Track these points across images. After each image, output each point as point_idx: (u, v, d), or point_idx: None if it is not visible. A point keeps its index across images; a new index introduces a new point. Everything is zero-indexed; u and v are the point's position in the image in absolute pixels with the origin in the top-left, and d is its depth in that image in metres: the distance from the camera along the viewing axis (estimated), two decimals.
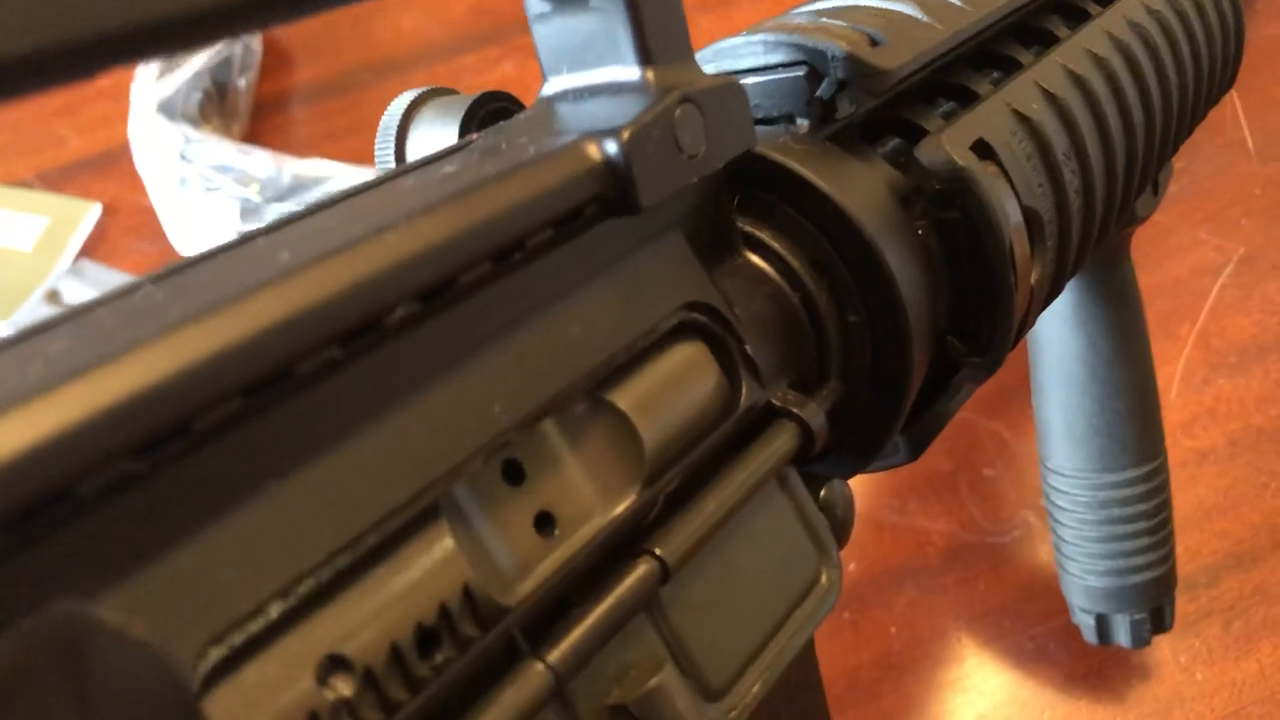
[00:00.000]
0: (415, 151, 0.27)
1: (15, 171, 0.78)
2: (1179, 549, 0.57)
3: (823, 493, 0.25)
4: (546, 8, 0.22)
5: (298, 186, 0.64)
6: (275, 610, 0.15)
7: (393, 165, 0.27)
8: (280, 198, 0.63)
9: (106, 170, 0.77)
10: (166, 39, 0.15)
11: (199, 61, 0.71)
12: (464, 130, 0.26)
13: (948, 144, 0.26)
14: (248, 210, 0.63)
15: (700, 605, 0.21)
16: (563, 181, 0.19)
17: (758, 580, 0.22)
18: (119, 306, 0.15)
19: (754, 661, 0.21)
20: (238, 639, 0.14)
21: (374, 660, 0.16)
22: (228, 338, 0.14)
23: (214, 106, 0.73)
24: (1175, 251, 0.66)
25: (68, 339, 0.14)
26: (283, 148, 0.71)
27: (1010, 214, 0.27)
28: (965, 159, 0.26)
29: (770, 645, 0.22)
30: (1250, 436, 0.60)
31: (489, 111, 0.27)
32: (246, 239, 0.18)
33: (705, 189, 0.23)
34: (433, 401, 0.17)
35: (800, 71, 0.27)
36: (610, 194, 0.19)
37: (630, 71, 0.21)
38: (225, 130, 0.73)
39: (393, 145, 0.27)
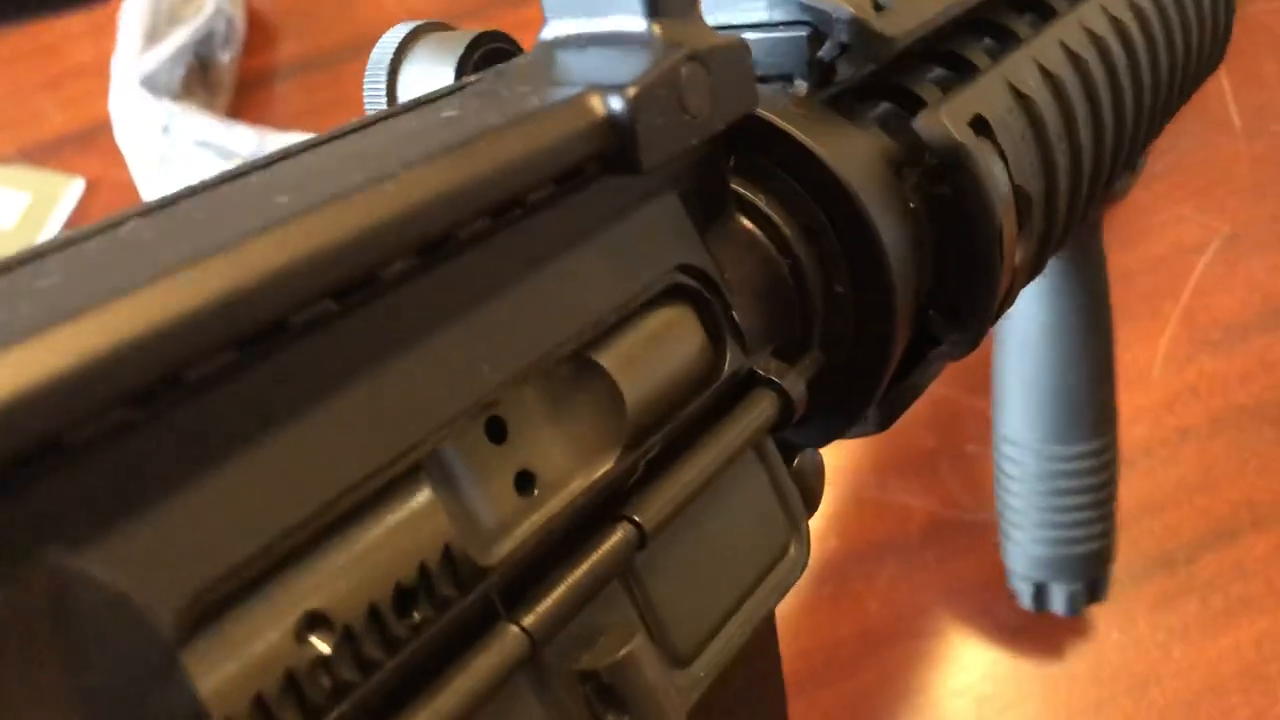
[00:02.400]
0: (407, 88, 0.26)
1: None
2: (1159, 525, 0.57)
3: (795, 462, 0.24)
4: None
5: None
6: (257, 566, 0.14)
7: (383, 102, 0.26)
8: None
9: (89, 146, 0.77)
10: None
11: (182, 36, 0.71)
12: (460, 71, 0.25)
13: (947, 119, 0.26)
14: None
15: (673, 573, 0.21)
16: (566, 136, 0.18)
17: (729, 549, 0.22)
18: (107, 241, 0.15)
19: (720, 630, 0.21)
20: (219, 594, 0.14)
21: (353, 618, 0.15)
22: (227, 285, 0.13)
23: (197, 81, 0.72)
24: (1159, 229, 0.66)
25: (57, 274, 0.14)
26: (266, 123, 0.71)
27: (1002, 194, 0.27)
28: (964, 135, 0.26)
29: (737, 615, 0.22)
30: (1232, 414, 0.60)
31: (486, 52, 0.26)
32: (238, 174, 0.17)
33: (703, 149, 0.22)
34: (424, 358, 0.17)
35: (803, 32, 0.26)
36: (612, 152, 0.19)
37: (636, 22, 0.20)
38: (209, 105, 0.72)
39: (384, 81, 0.26)
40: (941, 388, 0.62)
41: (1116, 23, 0.33)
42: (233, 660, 0.14)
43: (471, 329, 0.18)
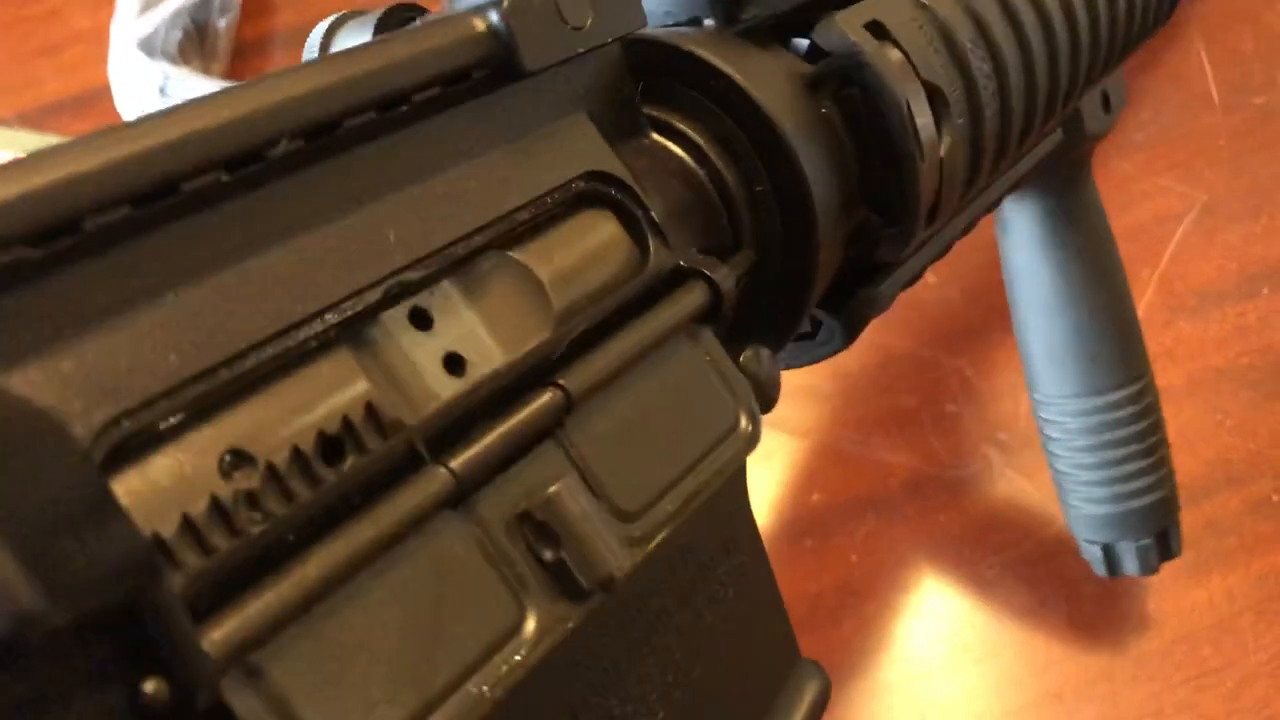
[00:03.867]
0: None
1: None
2: None
3: (743, 356, 0.26)
4: None
5: None
6: (175, 402, 0.16)
7: None
8: None
9: (86, 111, 0.77)
10: None
11: (178, 1, 0.72)
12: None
13: (842, 23, 0.28)
14: None
15: (609, 438, 0.22)
16: (445, 43, 0.21)
17: (671, 422, 0.23)
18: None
19: (670, 491, 0.23)
20: (138, 422, 0.16)
21: (276, 458, 0.17)
22: (114, 152, 0.16)
23: (193, 47, 0.73)
24: (1139, 198, 0.68)
25: None
26: None
27: (908, 87, 0.28)
28: (858, 35, 0.28)
29: (688, 478, 0.23)
30: (1208, 376, 0.61)
31: (401, 20, 0.29)
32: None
33: (605, 71, 0.25)
34: (330, 233, 0.19)
35: None
36: (497, 59, 0.21)
37: None
38: (205, 71, 0.73)
39: None
40: (924, 349, 0.63)
41: None
42: (159, 484, 0.16)
43: (378, 213, 0.20)
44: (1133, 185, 0.68)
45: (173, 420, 0.16)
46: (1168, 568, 0.55)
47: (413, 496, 0.18)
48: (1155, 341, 0.63)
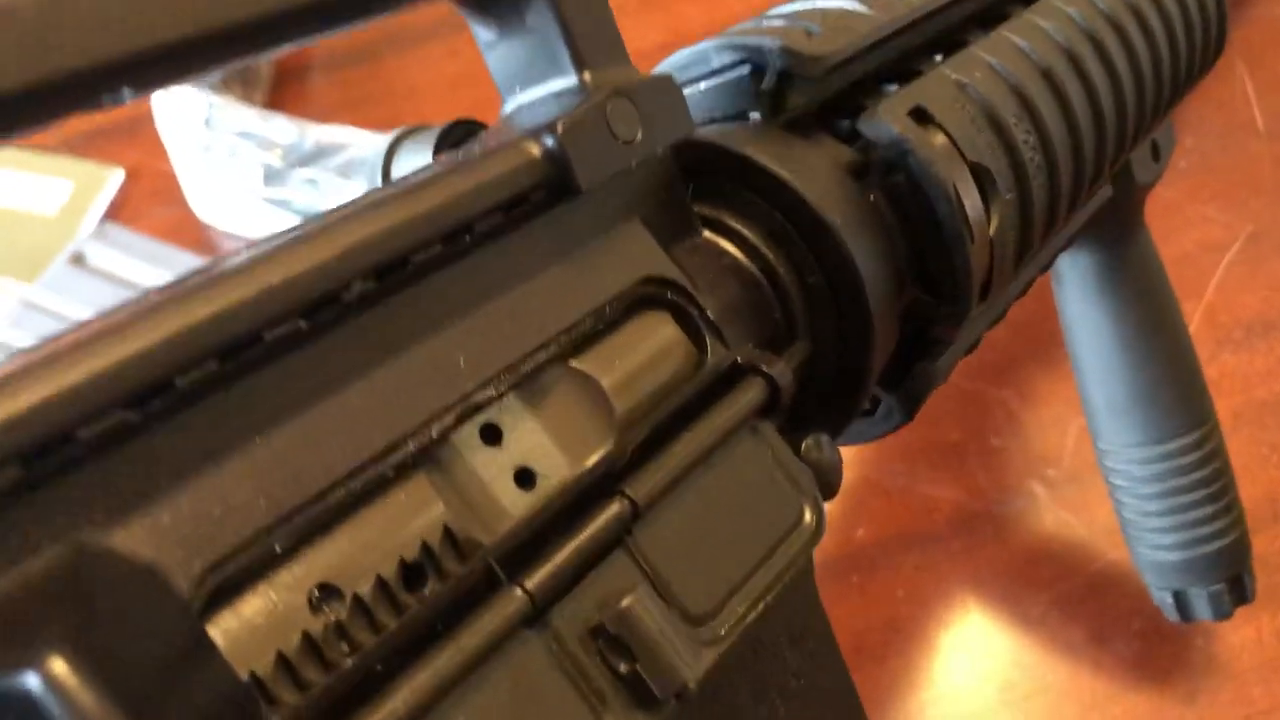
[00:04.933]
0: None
1: (40, 138, 0.78)
2: None
3: (804, 445, 0.26)
4: (493, 36, 0.24)
5: (320, 152, 0.65)
6: (266, 545, 0.17)
7: None
8: (303, 163, 0.64)
9: (129, 138, 0.78)
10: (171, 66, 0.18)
11: None
12: (436, 153, 0.29)
13: (884, 113, 0.28)
14: (271, 175, 0.64)
15: (676, 543, 0.22)
16: (504, 172, 0.21)
17: (736, 521, 0.23)
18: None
19: (739, 590, 0.23)
20: (233, 568, 0.16)
21: (361, 589, 0.17)
22: (202, 311, 0.17)
23: (235, 76, 0.74)
24: (1183, 227, 0.67)
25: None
26: (303, 116, 0.72)
27: (954, 171, 0.28)
28: (902, 124, 0.28)
29: (755, 576, 0.23)
30: (1253, 410, 0.61)
31: (459, 136, 0.30)
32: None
33: (656, 177, 0.26)
34: (402, 365, 0.20)
35: (745, 70, 0.29)
36: (553, 180, 0.22)
37: (570, 79, 0.24)
38: (247, 99, 0.74)
39: (379, 181, 0.30)
40: (968, 382, 0.63)
41: (1073, 18, 0.34)
42: (254, 624, 0.16)
43: (447, 340, 0.20)
44: (1176, 215, 0.68)
45: (264, 561, 0.17)
46: None
47: (491, 620, 0.18)
48: None
